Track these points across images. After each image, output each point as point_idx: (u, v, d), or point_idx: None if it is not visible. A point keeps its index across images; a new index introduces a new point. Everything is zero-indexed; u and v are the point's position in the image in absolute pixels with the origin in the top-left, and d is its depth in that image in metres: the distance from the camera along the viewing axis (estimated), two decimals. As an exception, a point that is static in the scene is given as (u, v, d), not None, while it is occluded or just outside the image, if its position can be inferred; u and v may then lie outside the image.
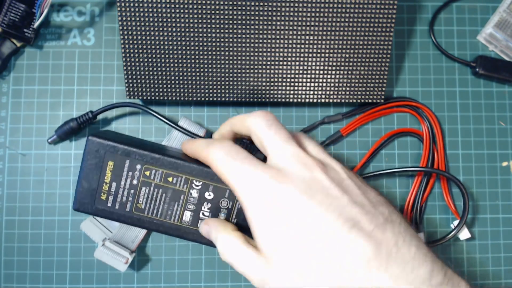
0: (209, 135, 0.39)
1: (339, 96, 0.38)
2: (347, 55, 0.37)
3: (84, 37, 0.39)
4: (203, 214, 0.33)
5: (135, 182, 0.33)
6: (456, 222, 0.38)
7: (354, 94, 0.38)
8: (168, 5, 0.34)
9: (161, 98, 0.37)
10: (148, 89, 0.37)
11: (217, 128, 0.39)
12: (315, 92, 0.37)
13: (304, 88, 0.37)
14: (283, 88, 0.37)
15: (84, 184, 0.33)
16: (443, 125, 0.40)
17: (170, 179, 0.33)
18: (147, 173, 0.32)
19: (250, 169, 0.26)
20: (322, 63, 0.37)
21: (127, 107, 0.38)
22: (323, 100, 0.38)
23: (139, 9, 0.34)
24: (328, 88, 0.37)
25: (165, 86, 0.37)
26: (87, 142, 0.33)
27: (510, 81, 0.40)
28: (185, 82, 0.37)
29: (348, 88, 0.38)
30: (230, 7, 0.35)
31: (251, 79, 0.37)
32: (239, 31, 0.35)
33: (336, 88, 0.38)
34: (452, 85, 0.41)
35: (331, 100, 0.38)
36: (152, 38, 0.35)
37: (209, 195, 0.33)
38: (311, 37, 0.36)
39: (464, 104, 0.41)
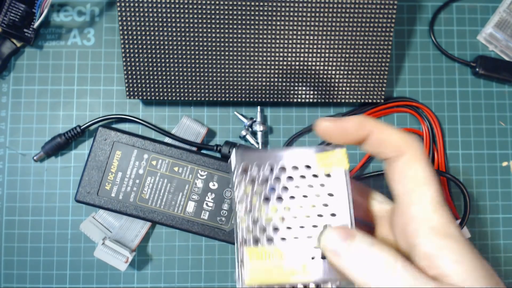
0: (210, 134, 0.39)
1: (339, 96, 0.38)
2: (347, 55, 0.37)
3: (84, 37, 0.39)
4: (206, 204, 0.33)
5: (141, 171, 0.33)
6: (456, 222, 0.38)
7: (354, 94, 0.38)
8: (168, 5, 0.34)
9: (161, 98, 0.37)
10: (148, 89, 0.37)
11: (217, 128, 0.39)
12: (315, 92, 0.37)
13: (304, 88, 0.37)
14: (283, 88, 0.37)
15: (90, 173, 0.34)
16: (443, 125, 0.40)
17: (176, 168, 0.33)
18: (154, 162, 0.33)
19: None
20: (322, 63, 0.37)
21: (113, 118, 0.38)
22: (323, 100, 0.38)
23: (139, 9, 0.34)
24: (328, 88, 0.37)
25: (165, 86, 0.37)
26: (97, 131, 0.34)
27: (510, 81, 0.40)
28: (185, 82, 0.37)
29: (348, 88, 0.38)
30: (230, 7, 0.35)
31: (251, 79, 0.37)
32: (239, 31, 0.35)
33: (336, 88, 0.38)
34: (452, 85, 0.41)
35: (331, 100, 0.38)
36: (152, 38, 0.35)
37: (213, 185, 0.33)
38: (311, 37, 0.36)
39: (464, 104, 0.41)
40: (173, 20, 0.35)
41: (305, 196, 0.24)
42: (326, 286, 0.24)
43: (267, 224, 0.24)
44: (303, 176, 0.25)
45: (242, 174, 0.24)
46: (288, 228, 0.24)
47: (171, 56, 0.36)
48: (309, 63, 0.37)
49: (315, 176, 0.25)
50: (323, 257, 0.23)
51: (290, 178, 0.25)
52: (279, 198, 0.24)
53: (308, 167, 0.25)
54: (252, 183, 0.24)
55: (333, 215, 0.24)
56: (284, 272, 0.23)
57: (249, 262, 0.23)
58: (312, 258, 0.23)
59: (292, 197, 0.24)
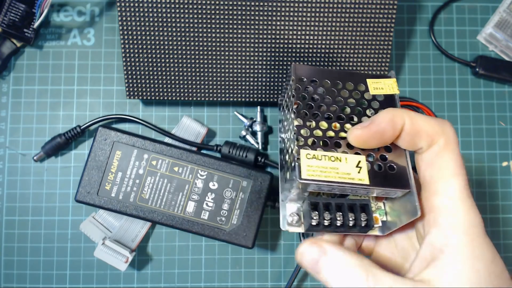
0: (210, 134, 0.39)
1: (339, 96, 0.38)
2: (347, 55, 0.37)
3: (84, 37, 0.39)
4: (206, 204, 0.33)
5: (141, 171, 0.33)
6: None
7: (354, 94, 0.38)
8: (168, 5, 0.34)
9: (161, 98, 0.37)
10: (148, 89, 0.37)
11: (217, 128, 0.39)
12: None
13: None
14: (283, 88, 0.37)
15: (90, 173, 0.34)
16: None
17: (176, 168, 0.33)
18: (154, 162, 0.33)
19: None
20: (322, 63, 0.37)
21: (113, 119, 0.38)
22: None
23: (139, 9, 0.34)
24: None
25: (165, 86, 0.37)
26: (97, 132, 0.34)
27: (510, 81, 0.40)
28: (185, 82, 0.37)
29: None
30: (230, 7, 0.35)
31: (251, 79, 0.37)
32: (239, 31, 0.35)
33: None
34: (452, 85, 0.41)
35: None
36: (152, 38, 0.35)
37: (213, 185, 0.33)
38: (311, 38, 0.36)
39: (464, 104, 0.41)
40: (173, 20, 0.35)
41: (352, 115, 0.26)
42: (374, 193, 0.24)
43: (323, 131, 0.25)
44: (355, 96, 0.26)
45: (298, 82, 0.27)
46: (343, 138, 0.25)
47: (171, 56, 0.36)
48: (309, 63, 0.37)
49: (365, 99, 0.26)
50: (379, 169, 0.24)
51: (344, 93, 0.26)
52: (330, 112, 0.26)
53: (360, 88, 0.27)
54: (308, 92, 0.26)
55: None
56: (339, 172, 0.23)
57: (305, 160, 0.23)
58: (368, 171, 0.24)
59: (341, 116, 0.26)
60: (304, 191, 0.24)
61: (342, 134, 0.25)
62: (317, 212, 0.24)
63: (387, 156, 0.24)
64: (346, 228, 0.25)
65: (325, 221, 0.24)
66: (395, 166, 0.24)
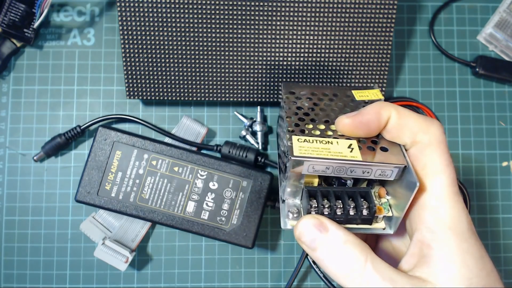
0: (210, 134, 0.39)
1: (339, 96, 0.38)
2: (347, 55, 0.37)
3: (84, 37, 0.39)
4: (206, 204, 0.34)
5: (141, 171, 0.33)
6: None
7: (354, 94, 0.38)
8: (168, 5, 0.34)
9: (161, 98, 0.37)
10: (148, 89, 0.37)
11: (217, 128, 0.39)
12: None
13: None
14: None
15: (90, 173, 0.34)
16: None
17: (176, 168, 0.33)
18: (154, 162, 0.33)
19: None
20: (322, 63, 0.37)
21: (113, 119, 0.38)
22: (323, 100, 0.38)
23: (139, 9, 0.34)
24: (328, 88, 0.38)
25: (165, 86, 0.37)
26: (97, 132, 0.34)
27: (510, 81, 0.40)
28: (185, 82, 0.37)
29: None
30: (230, 7, 0.35)
31: (251, 79, 0.37)
32: (239, 31, 0.35)
33: (336, 88, 0.38)
34: (452, 85, 0.41)
35: (331, 100, 0.38)
36: (152, 38, 0.35)
37: (213, 185, 0.34)
38: (311, 37, 0.36)
39: (464, 104, 0.41)
40: (173, 20, 0.35)
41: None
42: (371, 173, 0.24)
43: (314, 124, 0.26)
44: (342, 103, 0.28)
45: (289, 94, 0.29)
46: (333, 130, 0.26)
47: (171, 56, 0.36)
48: (309, 63, 0.37)
49: (352, 104, 0.28)
50: (370, 148, 0.24)
51: (332, 101, 0.29)
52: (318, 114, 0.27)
53: (346, 98, 0.29)
54: (298, 99, 0.29)
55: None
56: (331, 151, 0.24)
57: (297, 142, 0.24)
58: (360, 152, 0.24)
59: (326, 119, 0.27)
60: (300, 178, 0.24)
61: (332, 127, 0.26)
62: (315, 200, 0.24)
63: (378, 141, 0.24)
64: (347, 216, 0.24)
65: (325, 209, 0.24)
66: (387, 148, 0.24)
